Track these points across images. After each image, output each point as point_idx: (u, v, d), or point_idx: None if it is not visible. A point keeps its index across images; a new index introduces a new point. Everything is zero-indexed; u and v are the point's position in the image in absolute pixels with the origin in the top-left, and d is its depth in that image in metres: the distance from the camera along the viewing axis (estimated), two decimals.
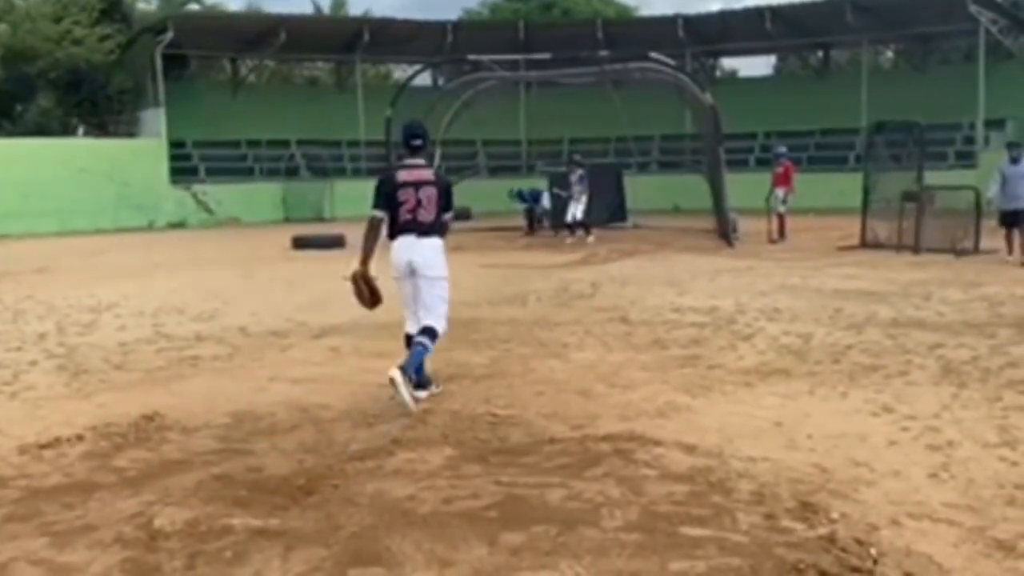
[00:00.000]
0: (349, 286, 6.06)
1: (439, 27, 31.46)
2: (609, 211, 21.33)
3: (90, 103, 31.07)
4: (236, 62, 33.62)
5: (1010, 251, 13.31)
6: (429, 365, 5.97)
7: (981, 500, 3.93)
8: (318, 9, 39.29)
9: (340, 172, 30.02)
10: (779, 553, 3.36)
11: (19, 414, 5.76)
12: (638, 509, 3.83)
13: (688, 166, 27.85)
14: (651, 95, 24.49)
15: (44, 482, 4.40)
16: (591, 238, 18.05)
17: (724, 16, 33.01)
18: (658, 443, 4.77)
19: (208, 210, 27.81)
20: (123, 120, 31.56)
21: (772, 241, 16.99)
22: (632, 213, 22.24)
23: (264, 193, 28.65)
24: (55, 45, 28.50)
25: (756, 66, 41.21)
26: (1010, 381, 6.05)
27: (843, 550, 3.39)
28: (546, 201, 20.46)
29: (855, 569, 3.26)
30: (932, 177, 15.95)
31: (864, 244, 15.54)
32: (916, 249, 14.29)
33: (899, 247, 14.61)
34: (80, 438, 5.10)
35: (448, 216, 6.05)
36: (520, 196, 20.81)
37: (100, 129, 31.29)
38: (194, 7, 36.05)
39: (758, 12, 29.83)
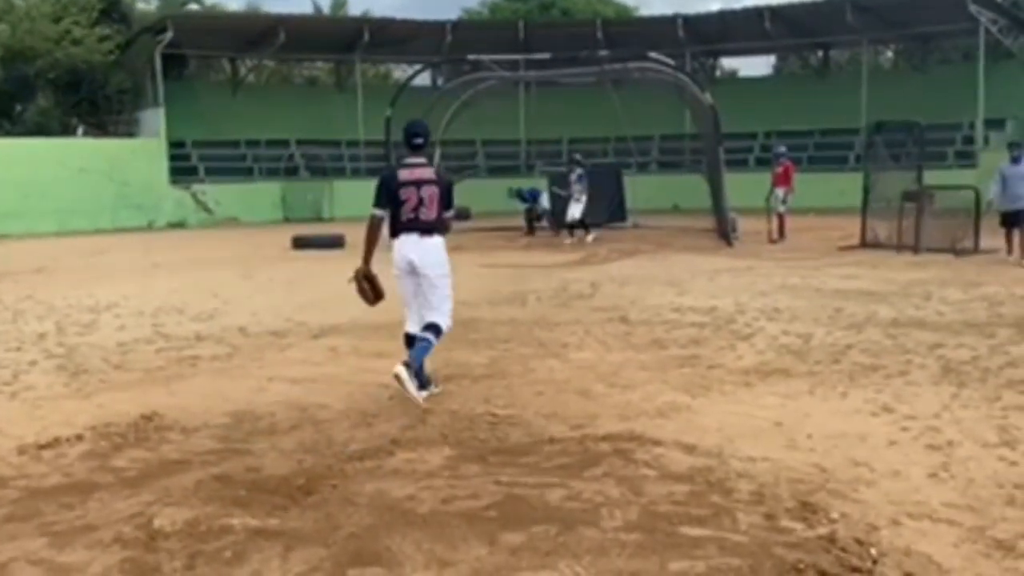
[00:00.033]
0: (352, 285, 6.06)
1: (439, 27, 31.45)
2: (609, 211, 21.33)
3: (89, 103, 31.07)
4: (235, 62, 33.64)
5: (1010, 251, 13.31)
6: (428, 365, 5.98)
7: (981, 500, 3.93)
8: (318, 9, 39.29)
9: (339, 172, 30.05)
10: (779, 553, 3.36)
11: (19, 414, 5.75)
12: (638, 509, 3.83)
13: (688, 166, 27.87)
14: (651, 95, 24.50)
15: (43, 482, 4.39)
16: (590, 237, 18.07)
17: (724, 16, 33.01)
18: (658, 443, 4.77)
19: (207, 210, 27.82)
20: (122, 120, 31.56)
21: (772, 241, 16.99)
22: (632, 213, 22.24)
23: (264, 193, 28.66)
24: (54, 45, 28.48)
25: (756, 66, 41.34)
26: (1010, 381, 6.05)
27: (843, 550, 3.39)
28: (545, 201, 20.47)
29: (855, 569, 3.26)
30: (932, 177, 15.94)
31: (864, 244, 15.54)
32: (916, 249, 14.29)
33: (899, 247, 14.62)
34: (79, 438, 5.10)
35: (449, 214, 6.07)
36: (519, 195, 20.82)
37: (99, 129, 31.28)
38: (194, 7, 36.04)
39: (758, 12, 29.85)
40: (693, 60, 32.35)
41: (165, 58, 27.73)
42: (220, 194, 27.97)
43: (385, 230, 5.93)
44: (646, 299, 10.21)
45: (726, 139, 19.45)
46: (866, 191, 16.00)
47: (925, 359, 6.78)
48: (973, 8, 25.64)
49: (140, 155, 27.25)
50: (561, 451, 4.68)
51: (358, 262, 6.02)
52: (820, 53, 34.31)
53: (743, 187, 19.10)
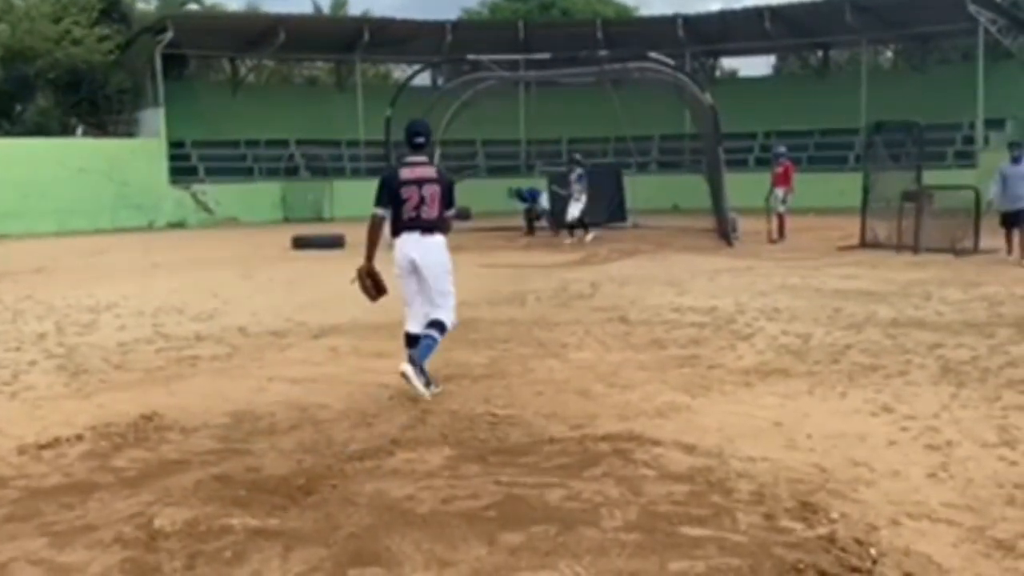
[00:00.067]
0: (355, 285, 6.09)
1: (438, 27, 31.45)
2: (608, 211, 21.34)
3: (89, 103, 31.08)
4: (235, 62, 33.64)
5: (1009, 250, 13.31)
6: (428, 365, 5.98)
7: (980, 500, 3.93)
8: (318, 9, 39.29)
9: (339, 172, 30.05)
10: (778, 553, 3.36)
11: (18, 414, 5.75)
12: (637, 509, 3.83)
13: (687, 166, 27.89)
14: (650, 95, 24.51)
15: (43, 482, 4.39)
16: (589, 237, 18.09)
17: (724, 16, 33.02)
18: (657, 443, 4.77)
19: (207, 210, 27.82)
20: (122, 120, 31.57)
21: (772, 241, 16.99)
22: (631, 213, 22.24)
23: (263, 193, 28.65)
24: (54, 45, 28.48)
25: (755, 66, 41.30)
26: (1009, 381, 6.05)
27: (842, 550, 3.39)
28: (544, 201, 20.48)
29: (854, 569, 3.26)
30: (931, 177, 15.95)
31: (864, 244, 15.54)
32: (916, 249, 14.29)
33: (899, 247, 14.62)
34: (79, 438, 5.10)
35: (450, 213, 6.10)
36: (519, 195, 20.82)
37: (99, 129, 31.29)
38: (193, 7, 36.03)
39: (757, 12, 29.85)
40: (693, 60, 32.35)
41: (165, 58, 27.72)
42: (220, 194, 27.97)
43: (386, 229, 5.95)
44: (646, 299, 10.21)
45: (726, 139, 19.45)
46: (866, 191, 16.00)
47: (925, 359, 6.79)
48: (972, 8, 25.64)
49: (140, 155, 27.25)
50: (561, 451, 4.68)
51: (358, 262, 6.06)
52: (820, 53, 34.32)
53: (743, 187, 19.10)
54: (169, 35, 27.07)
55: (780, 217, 17.33)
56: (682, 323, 8.59)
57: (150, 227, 26.30)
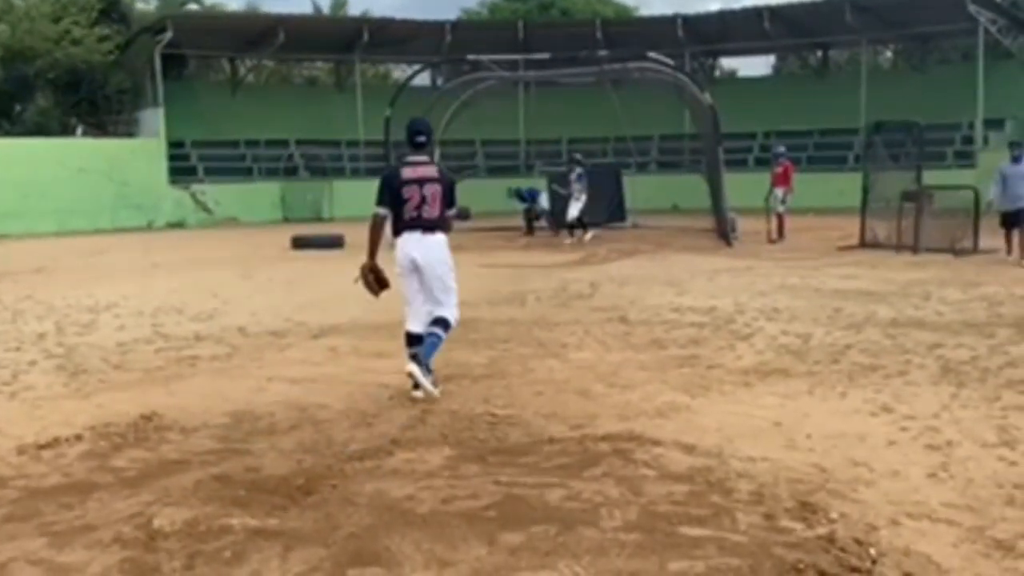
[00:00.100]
0: (359, 284, 6.12)
1: (438, 27, 31.44)
2: (608, 211, 21.33)
3: (89, 103, 31.06)
4: (235, 62, 33.62)
5: (1009, 250, 13.31)
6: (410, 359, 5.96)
7: (980, 500, 3.93)
8: (317, 9, 39.29)
9: (339, 172, 30.04)
10: (778, 553, 3.36)
11: (18, 414, 5.75)
12: (637, 509, 3.83)
13: (687, 166, 27.86)
14: (650, 95, 24.49)
15: (43, 482, 4.39)
16: (588, 236, 18.09)
17: (723, 16, 33.01)
18: (657, 443, 4.77)
19: (207, 210, 27.81)
20: (122, 120, 31.56)
21: (771, 241, 17.00)
22: (631, 213, 22.24)
23: (263, 193, 28.64)
24: (54, 45, 28.47)
25: (755, 66, 41.27)
26: (1009, 381, 6.05)
27: (842, 550, 3.39)
28: (544, 201, 20.47)
29: (854, 569, 3.26)
30: (931, 177, 15.95)
31: (863, 244, 15.54)
32: (915, 249, 14.29)
33: (898, 247, 14.62)
34: (79, 438, 5.09)
35: (451, 212, 6.11)
36: (518, 194, 20.82)
37: (99, 129, 31.29)
38: (193, 7, 36.03)
39: (757, 12, 29.84)
40: (692, 60, 32.35)
41: (164, 58, 27.71)
42: (219, 194, 27.96)
43: (388, 228, 5.96)
44: (645, 299, 10.21)
45: (725, 139, 19.45)
46: (865, 191, 16.00)
47: (924, 359, 6.79)
48: (972, 8, 25.63)
49: (139, 155, 27.24)
50: (560, 451, 4.68)
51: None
52: (819, 53, 34.31)
53: (742, 187, 19.09)
54: (169, 35, 27.06)
55: (779, 217, 17.34)
56: (682, 323, 8.59)
57: (149, 227, 26.29)
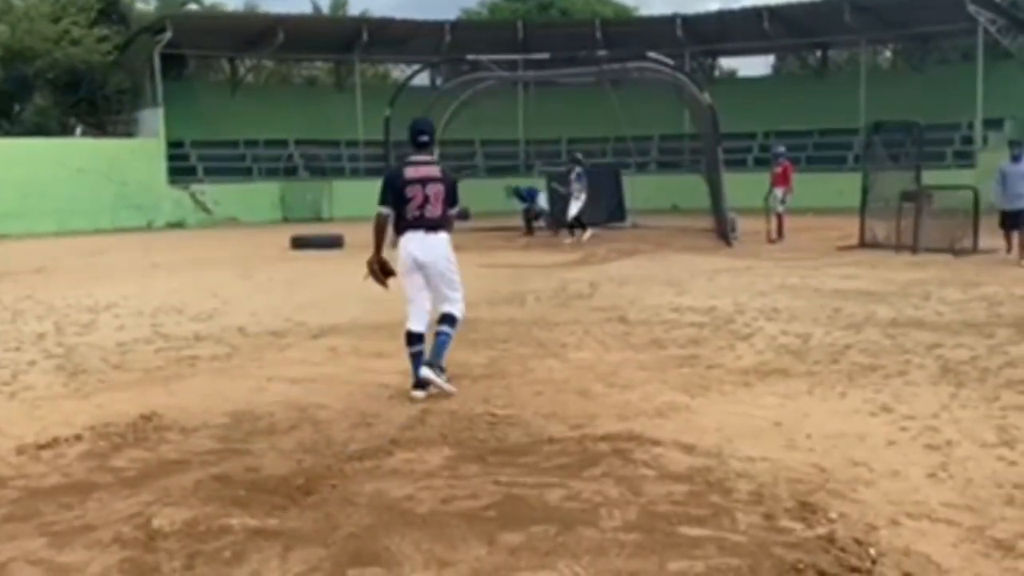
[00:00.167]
0: (368, 279, 6.18)
1: (437, 27, 31.44)
2: (608, 211, 21.33)
3: (88, 103, 31.05)
4: (234, 62, 33.62)
5: (1009, 250, 13.31)
6: (423, 364, 5.97)
7: (979, 500, 3.93)
8: (317, 9, 39.30)
9: (339, 172, 30.05)
10: (778, 553, 3.36)
11: (17, 414, 5.75)
12: (637, 509, 3.83)
13: (687, 166, 27.84)
14: (650, 95, 24.49)
15: (43, 482, 4.39)
16: (587, 235, 18.09)
17: (722, 16, 33.00)
18: (657, 443, 4.77)
19: (206, 210, 27.80)
20: (121, 120, 31.55)
21: (771, 241, 16.99)
22: (631, 213, 22.24)
23: (262, 193, 28.64)
24: (53, 45, 28.47)
25: (754, 66, 41.35)
26: (1008, 381, 6.05)
27: (842, 550, 3.39)
28: (543, 200, 20.46)
29: (854, 569, 3.26)
30: (930, 177, 15.96)
31: (863, 244, 15.54)
32: (915, 249, 14.29)
33: (898, 247, 14.62)
34: (78, 438, 5.09)
35: (453, 212, 6.14)
36: (517, 193, 20.81)
37: (98, 129, 31.28)
38: (192, 7, 36.03)
39: (756, 12, 29.84)
40: (692, 60, 32.34)
41: (164, 58, 27.70)
42: (219, 194, 27.95)
43: (390, 228, 5.99)
44: (645, 299, 10.21)
45: (725, 139, 19.45)
46: (865, 191, 16.00)
47: (924, 359, 6.79)
48: (971, 8, 25.63)
49: (139, 155, 27.23)
50: (560, 451, 4.68)
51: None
52: (819, 53, 34.31)
53: (742, 187, 19.07)
54: (168, 35, 27.05)
55: (779, 217, 17.34)
56: (681, 323, 8.59)
57: (149, 227, 26.29)
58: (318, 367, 7.00)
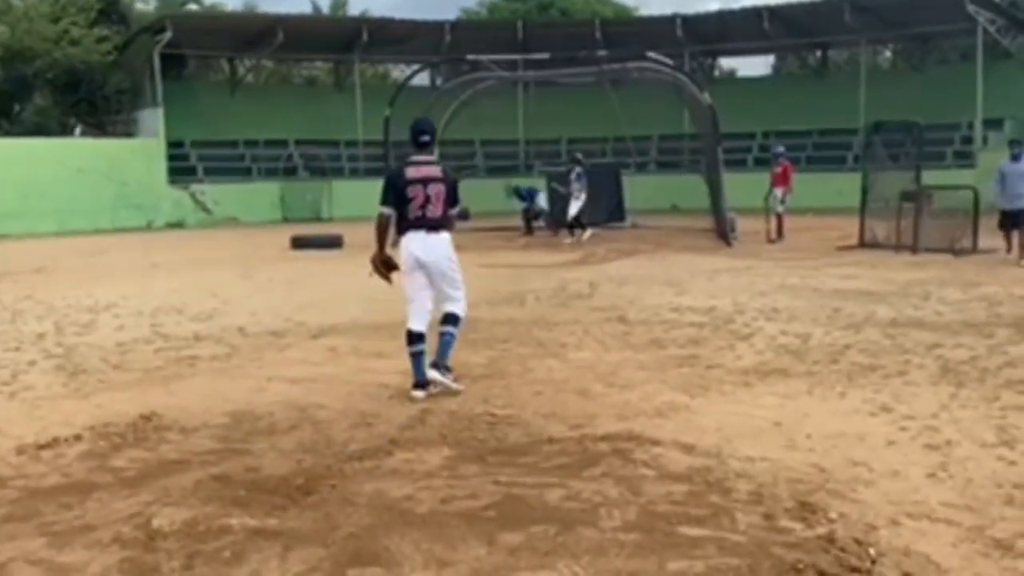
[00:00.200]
0: (373, 276, 6.21)
1: (437, 27, 31.42)
2: (607, 211, 21.33)
3: (88, 103, 31.03)
4: (234, 62, 33.61)
5: (1008, 250, 13.31)
6: (427, 363, 5.98)
7: (979, 499, 3.93)
8: (316, 9, 39.28)
9: (338, 172, 30.04)
10: (777, 553, 3.36)
11: (17, 414, 5.75)
12: (636, 509, 3.83)
13: (686, 166, 27.85)
14: (649, 95, 24.49)
15: (42, 482, 4.39)
16: (586, 235, 18.09)
17: (722, 16, 33.00)
18: (656, 443, 4.77)
19: (206, 210, 27.80)
20: (121, 120, 31.54)
21: (771, 241, 17.00)
22: (630, 213, 22.24)
23: (262, 193, 28.63)
24: (53, 45, 28.45)
25: (754, 66, 41.32)
26: (1008, 381, 6.05)
27: (842, 550, 3.40)
28: (542, 200, 20.46)
29: (854, 569, 3.26)
30: (930, 177, 15.95)
31: (863, 244, 15.54)
32: (915, 249, 14.29)
33: (898, 247, 14.62)
34: (78, 438, 5.09)
35: (454, 211, 6.16)
36: (517, 193, 20.81)
37: (98, 129, 31.26)
38: (192, 7, 36.01)
39: (756, 12, 29.83)
40: (692, 60, 32.34)
41: (164, 58, 27.70)
42: (219, 194, 27.95)
43: (392, 228, 6.01)
44: (645, 299, 10.21)
45: (725, 139, 19.45)
46: (864, 191, 16.00)
47: (924, 359, 6.79)
48: (971, 8, 25.63)
49: (139, 155, 27.23)
50: (560, 451, 4.68)
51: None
52: (818, 53, 34.31)
53: (742, 187, 19.07)
54: (168, 35, 27.05)
55: (779, 217, 17.34)
56: (681, 323, 8.59)
57: (149, 227, 26.28)
58: (318, 367, 7.00)
